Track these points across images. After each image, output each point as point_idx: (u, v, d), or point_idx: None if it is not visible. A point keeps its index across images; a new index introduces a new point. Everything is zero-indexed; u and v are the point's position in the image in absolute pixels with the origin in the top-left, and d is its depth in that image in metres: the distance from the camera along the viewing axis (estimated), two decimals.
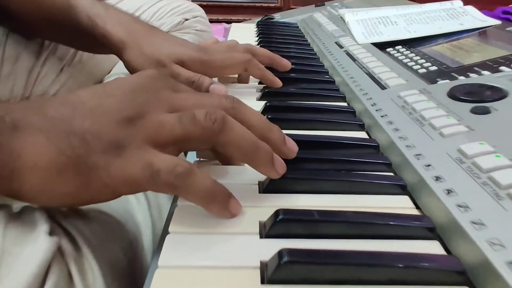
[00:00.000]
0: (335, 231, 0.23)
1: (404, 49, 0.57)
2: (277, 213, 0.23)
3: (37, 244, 0.22)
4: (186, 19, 0.70)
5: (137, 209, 0.39)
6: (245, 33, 0.85)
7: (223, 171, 0.30)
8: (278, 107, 0.41)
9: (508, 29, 0.55)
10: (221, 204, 0.24)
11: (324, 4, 1.03)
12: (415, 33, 0.62)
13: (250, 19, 2.11)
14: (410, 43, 0.60)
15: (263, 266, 0.21)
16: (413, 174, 0.28)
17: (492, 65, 0.44)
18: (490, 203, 0.23)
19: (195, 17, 0.72)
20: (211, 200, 0.24)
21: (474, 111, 0.33)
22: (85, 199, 0.24)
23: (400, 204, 0.27)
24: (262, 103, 0.42)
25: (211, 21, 2.07)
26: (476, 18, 0.63)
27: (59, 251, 0.23)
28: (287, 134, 0.32)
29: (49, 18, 0.47)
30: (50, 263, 0.22)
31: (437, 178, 0.26)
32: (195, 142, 0.25)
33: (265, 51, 0.50)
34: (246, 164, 0.30)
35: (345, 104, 0.45)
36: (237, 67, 0.46)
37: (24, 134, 0.22)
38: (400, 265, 0.20)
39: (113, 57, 0.47)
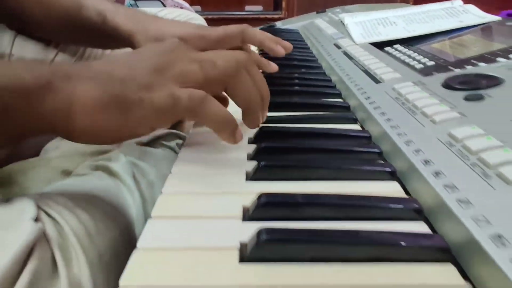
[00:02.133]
0: (319, 214, 0.23)
1: (402, 48, 0.57)
2: (260, 196, 0.23)
3: (20, 228, 0.22)
4: None
5: (132, 205, 0.39)
6: None
7: (212, 160, 0.30)
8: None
9: (508, 23, 0.55)
10: (232, 131, 0.28)
11: (325, 11, 1.04)
12: (414, 32, 0.61)
13: None
14: (409, 42, 0.60)
15: (243, 247, 0.21)
16: (403, 160, 0.28)
17: (490, 57, 0.43)
18: (478, 182, 0.22)
19: None
20: (225, 126, 0.28)
21: (467, 98, 0.32)
22: (125, 134, 0.27)
23: (389, 190, 0.26)
24: None
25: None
26: (476, 15, 0.62)
27: (44, 238, 0.23)
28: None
29: (60, 17, 0.50)
30: (33, 249, 0.22)
31: (426, 162, 0.26)
32: (215, 85, 0.29)
33: (263, 33, 0.50)
34: (232, 156, 0.30)
35: (340, 99, 0.45)
36: (234, 38, 0.47)
37: (75, 81, 0.26)
38: (381, 243, 0.19)
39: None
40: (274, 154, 0.30)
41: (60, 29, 0.53)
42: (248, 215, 0.23)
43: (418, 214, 0.23)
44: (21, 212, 0.24)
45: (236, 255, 0.20)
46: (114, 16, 0.47)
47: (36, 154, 0.57)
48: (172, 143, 0.55)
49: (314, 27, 0.86)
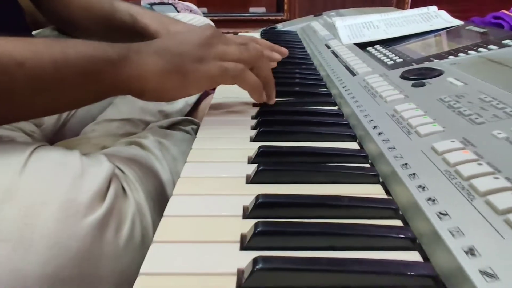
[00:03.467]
0: (298, 159, 0.34)
1: (381, 48, 0.68)
2: (259, 148, 0.35)
3: (102, 166, 0.34)
4: None
5: (161, 171, 0.51)
6: None
7: (225, 131, 0.42)
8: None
9: (467, 27, 0.66)
10: (260, 93, 0.43)
11: (321, 14, 1.15)
12: (392, 34, 0.72)
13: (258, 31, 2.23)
14: (388, 43, 0.71)
15: (248, 177, 0.32)
16: (361, 128, 0.39)
17: (444, 55, 0.54)
18: (403, 136, 0.33)
19: None
20: (257, 90, 0.43)
21: (414, 85, 0.44)
22: (182, 93, 0.41)
23: (350, 147, 0.38)
24: None
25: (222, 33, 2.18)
26: (445, 20, 0.73)
27: (115, 174, 0.35)
28: None
29: (98, 20, 0.63)
30: (111, 179, 0.33)
31: (375, 127, 0.37)
32: (246, 63, 0.42)
33: (266, 42, 0.62)
34: (240, 127, 0.41)
35: (325, 89, 0.56)
36: None
37: (145, 54, 0.37)
38: (335, 171, 0.31)
39: None
40: (269, 124, 0.42)
41: (98, 29, 0.65)
42: (251, 160, 0.34)
43: (365, 159, 0.34)
44: (98, 157, 0.36)
45: (243, 180, 0.32)
46: (143, 18, 0.60)
47: (76, 135, 0.69)
48: (188, 128, 0.67)
49: (310, 29, 0.97)
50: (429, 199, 0.25)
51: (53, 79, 0.33)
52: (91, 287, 0.29)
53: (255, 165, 0.32)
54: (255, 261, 0.21)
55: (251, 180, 0.31)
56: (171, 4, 1.14)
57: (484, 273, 0.19)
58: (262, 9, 2.12)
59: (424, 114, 0.36)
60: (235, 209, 0.27)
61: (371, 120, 0.39)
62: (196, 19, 0.87)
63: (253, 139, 0.39)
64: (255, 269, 0.20)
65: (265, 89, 0.44)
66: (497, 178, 0.24)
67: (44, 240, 0.27)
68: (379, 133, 0.36)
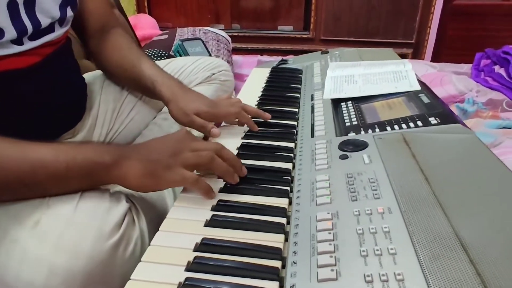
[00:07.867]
0: (242, 210, 0.54)
1: (351, 105, 0.84)
2: (218, 201, 0.54)
3: (121, 203, 0.55)
4: (214, 73, 1.03)
5: (168, 198, 0.72)
6: (259, 77, 1.15)
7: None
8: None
9: (419, 95, 0.81)
10: (206, 193, 0.56)
11: (327, 52, 1.31)
12: (363, 92, 0.88)
13: (285, 47, 2.41)
14: (359, 100, 0.86)
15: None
16: (293, 188, 0.57)
17: (385, 124, 0.70)
18: (308, 204, 0.52)
19: (220, 71, 1.05)
20: (203, 192, 0.56)
21: (340, 157, 0.61)
22: (155, 189, 0.57)
23: (280, 202, 0.56)
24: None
25: (251, 49, 2.43)
26: (409, 83, 0.88)
27: (129, 209, 0.56)
28: None
29: (128, 77, 0.84)
30: (126, 212, 0.55)
31: (298, 191, 0.56)
32: (202, 166, 0.57)
33: (253, 109, 0.81)
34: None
35: (293, 144, 0.74)
36: (232, 118, 0.78)
37: (129, 160, 0.53)
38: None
39: None
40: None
41: (128, 82, 0.88)
42: (212, 208, 0.54)
43: (285, 214, 0.53)
44: (120, 197, 0.57)
45: (203, 223, 0.51)
46: (160, 87, 0.78)
47: None
48: None
49: (310, 71, 1.14)
50: (294, 252, 0.44)
51: (65, 177, 0.50)
52: (108, 281, 0.50)
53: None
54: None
55: (207, 224, 0.51)
56: (199, 39, 1.34)
57: None
58: (290, 27, 2.28)
59: (328, 187, 0.54)
60: (191, 243, 0.48)
61: (299, 184, 0.57)
62: (214, 62, 1.07)
63: (220, 190, 0.59)
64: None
65: (223, 178, 0.59)
66: (330, 244, 0.43)
67: (86, 252, 0.48)
68: (298, 197, 0.54)
